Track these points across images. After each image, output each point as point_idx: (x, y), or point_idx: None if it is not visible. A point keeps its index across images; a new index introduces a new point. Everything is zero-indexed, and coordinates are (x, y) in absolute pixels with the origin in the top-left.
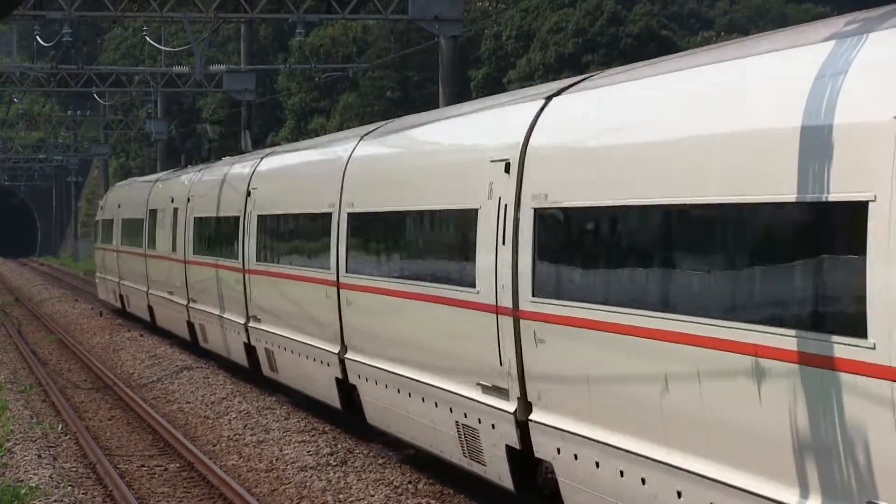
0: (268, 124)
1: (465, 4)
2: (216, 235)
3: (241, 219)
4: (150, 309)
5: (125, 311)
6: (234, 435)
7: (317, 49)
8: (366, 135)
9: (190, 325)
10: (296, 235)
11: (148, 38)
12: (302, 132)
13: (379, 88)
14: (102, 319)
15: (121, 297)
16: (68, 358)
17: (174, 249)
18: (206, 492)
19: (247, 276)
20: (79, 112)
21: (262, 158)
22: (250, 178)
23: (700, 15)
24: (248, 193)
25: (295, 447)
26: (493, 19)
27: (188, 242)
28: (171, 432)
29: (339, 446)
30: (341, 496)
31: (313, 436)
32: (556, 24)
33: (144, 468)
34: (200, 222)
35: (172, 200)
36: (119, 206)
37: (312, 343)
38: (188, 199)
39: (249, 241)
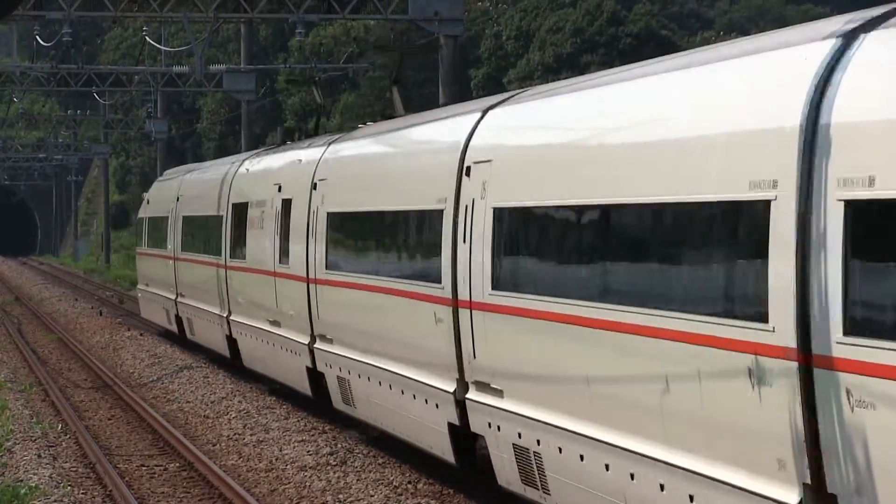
0: (269, 124)
1: (465, 4)
2: (382, 243)
3: (446, 216)
4: (232, 341)
5: (183, 338)
6: (234, 434)
7: (317, 48)
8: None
9: (314, 375)
10: (615, 248)
11: (148, 38)
12: (301, 133)
13: (379, 88)
14: (102, 319)
15: (178, 318)
16: (68, 357)
17: (283, 261)
18: (206, 491)
19: (465, 313)
20: (79, 112)
21: (483, 113)
22: (464, 148)
23: (700, 15)
24: (465, 172)
25: (295, 447)
26: (494, 19)
27: (316, 253)
28: (170, 432)
29: (339, 446)
30: (341, 496)
31: (313, 435)
32: (554, 23)
33: (144, 468)
34: (343, 221)
35: (280, 189)
36: (178, 200)
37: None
38: (314, 186)
39: (470, 252)
